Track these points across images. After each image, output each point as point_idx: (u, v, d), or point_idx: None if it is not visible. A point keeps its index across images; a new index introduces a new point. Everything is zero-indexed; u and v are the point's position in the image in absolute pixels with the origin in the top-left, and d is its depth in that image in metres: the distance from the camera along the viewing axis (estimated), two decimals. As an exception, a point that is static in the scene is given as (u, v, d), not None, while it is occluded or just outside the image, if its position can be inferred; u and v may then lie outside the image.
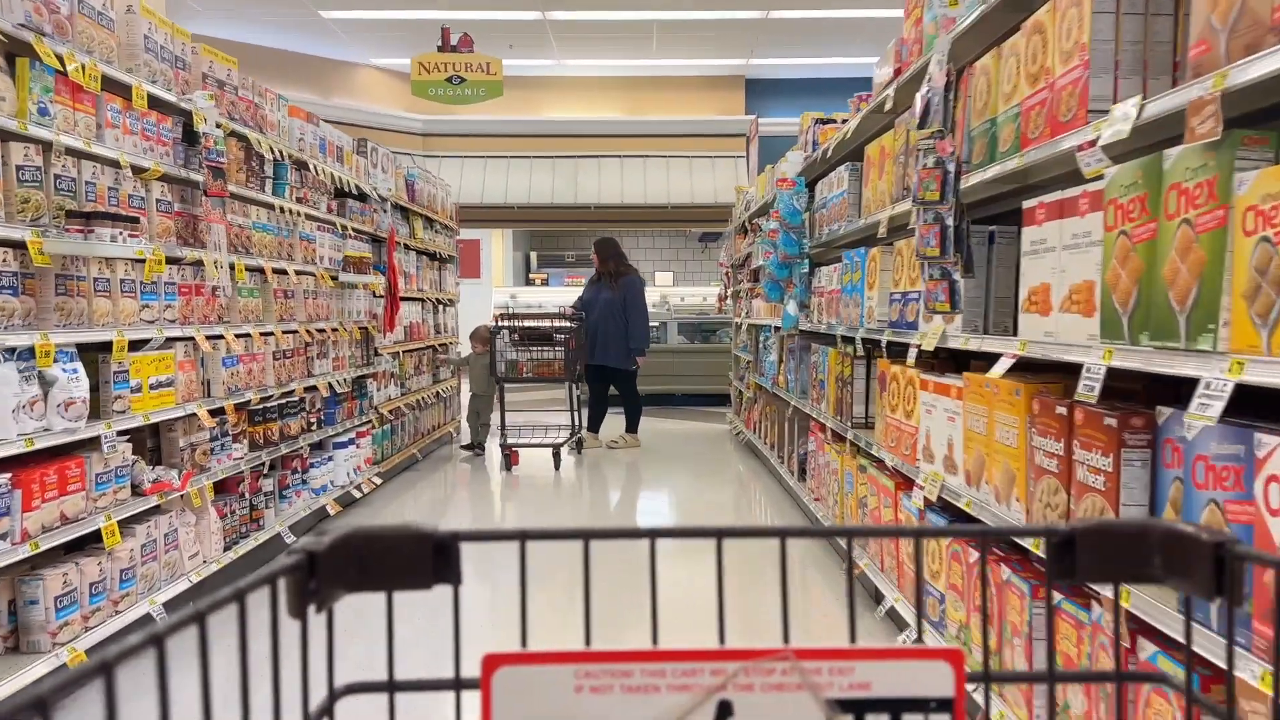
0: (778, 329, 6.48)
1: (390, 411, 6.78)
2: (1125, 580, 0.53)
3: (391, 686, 0.55)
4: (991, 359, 3.11)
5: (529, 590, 0.52)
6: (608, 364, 7.67)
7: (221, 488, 4.45)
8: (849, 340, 4.47)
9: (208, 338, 4.10)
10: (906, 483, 3.60)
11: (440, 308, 8.41)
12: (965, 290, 2.75)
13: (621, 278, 7.97)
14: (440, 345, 8.24)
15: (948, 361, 3.47)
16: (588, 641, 0.52)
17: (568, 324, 7.27)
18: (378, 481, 6.29)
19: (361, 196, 6.34)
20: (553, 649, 0.46)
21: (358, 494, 5.92)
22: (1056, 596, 2.25)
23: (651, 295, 15.82)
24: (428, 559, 0.52)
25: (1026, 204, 2.53)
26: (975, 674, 0.54)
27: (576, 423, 7.64)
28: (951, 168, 2.70)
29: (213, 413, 4.15)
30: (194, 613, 0.42)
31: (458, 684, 0.53)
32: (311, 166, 5.32)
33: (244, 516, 4.53)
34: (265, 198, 4.76)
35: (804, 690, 0.45)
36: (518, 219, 14.56)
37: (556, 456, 6.98)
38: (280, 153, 4.89)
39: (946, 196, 2.71)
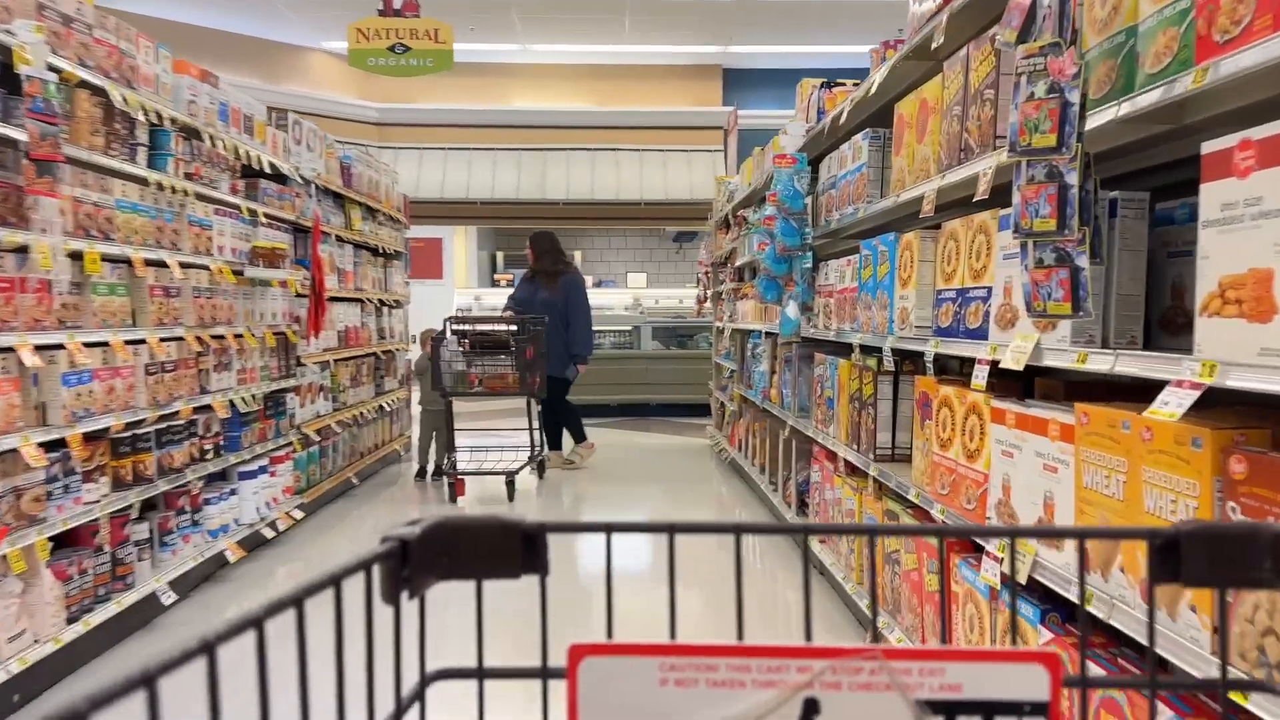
0: (770, 335, 5.54)
1: (318, 431, 5.77)
2: (1233, 585, 0.50)
3: (481, 673, 0.55)
4: (1104, 386, 2.16)
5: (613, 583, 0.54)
6: (546, 372, 6.68)
7: (70, 540, 3.42)
8: (871, 351, 3.53)
9: (37, 348, 3.09)
10: (967, 546, 2.66)
11: (385, 310, 7.39)
12: (1089, 283, 1.81)
13: (561, 276, 6.97)
14: (384, 352, 7.22)
15: (1010, 382, 2.54)
16: (672, 634, 0.51)
17: (531, 327, 6.28)
18: (299, 515, 5.27)
19: (281, 178, 5.33)
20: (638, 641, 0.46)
21: (270, 532, 4.90)
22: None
23: (623, 298, 14.85)
24: (516, 549, 0.52)
25: (1210, 146, 1.60)
26: (1072, 678, 0.52)
27: (538, 442, 6.65)
28: (1074, 97, 1.76)
29: (48, 446, 3.13)
30: (292, 596, 0.42)
31: (544, 673, 0.53)
32: (206, 136, 4.30)
33: (102, 575, 3.51)
34: (136, 170, 3.74)
35: (893, 690, 0.44)
36: (480, 215, 13.55)
37: (510, 485, 5.97)
38: (158, 115, 3.88)
39: (1066, 142, 1.77)
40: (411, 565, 0.51)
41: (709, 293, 8.52)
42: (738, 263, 6.81)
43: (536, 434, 6.62)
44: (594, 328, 11.58)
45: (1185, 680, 0.56)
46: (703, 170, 13.39)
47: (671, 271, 17.27)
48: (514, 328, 6.56)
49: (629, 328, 10.91)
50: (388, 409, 7.21)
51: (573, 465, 7.14)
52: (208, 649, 0.37)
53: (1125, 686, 0.66)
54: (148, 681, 0.33)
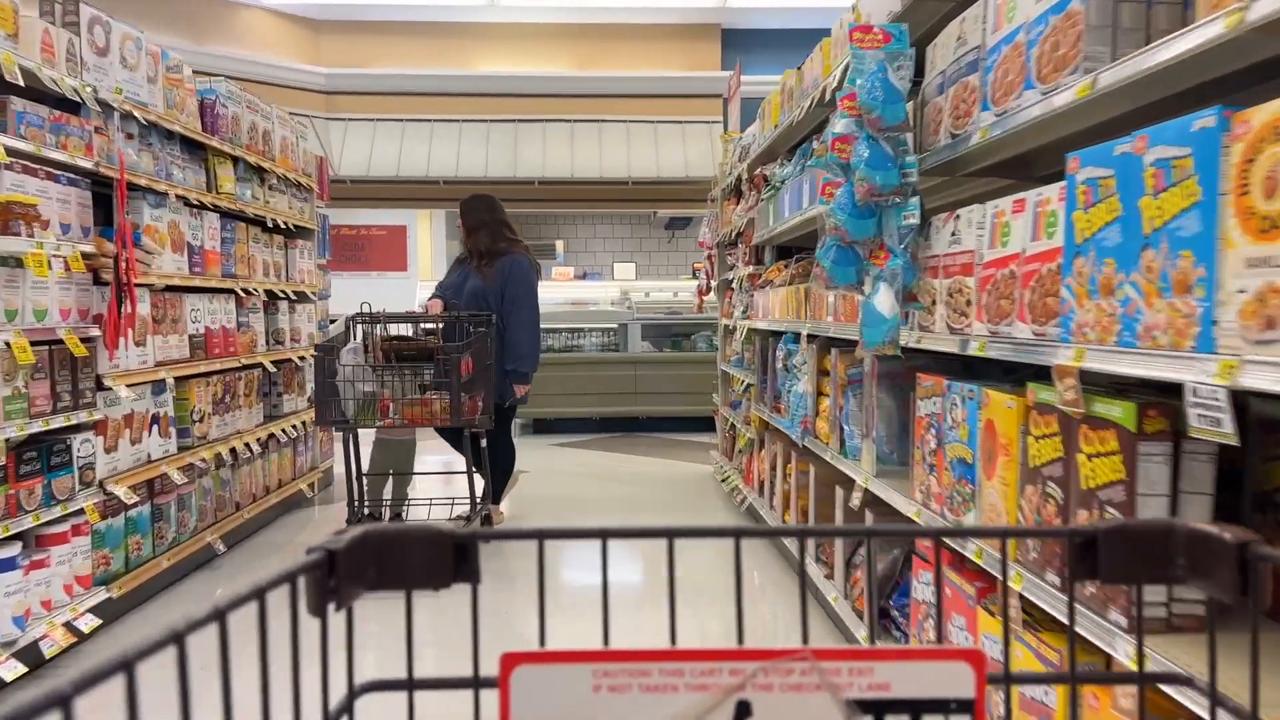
0: (814, 338, 3.63)
1: (148, 484, 3.83)
2: (1148, 581, 0.51)
3: (411, 685, 0.54)
4: None
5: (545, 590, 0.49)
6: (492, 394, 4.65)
7: None
8: (1097, 382, 1.62)
9: None
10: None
11: (283, 305, 5.44)
12: None
13: (499, 258, 4.83)
14: (280, 362, 5.27)
15: None
16: (606, 641, 0.52)
17: (471, 329, 4.35)
18: (95, 622, 3.33)
19: (70, 105, 3.39)
20: (571, 648, 0.45)
21: (54, 646, 2.98)
22: None
23: (609, 291, 12.88)
24: (447, 558, 0.51)
25: None
26: (995, 675, 0.52)
27: (481, 492, 4.70)
28: None
29: None
30: (214, 610, 0.41)
31: (476, 682, 0.52)
32: None
33: None
34: None
35: (823, 690, 0.45)
36: (443, 197, 11.57)
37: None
38: None
39: None
40: (339, 576, 0.50)
41: (713, 282, 6.59)
42: (756, 238, 4.89)
43: (480, 479, 4.67)
44: (573, 326, 9.68)
45: (1106, 674, 0.58)
46: (699, 144, 11.45)
47: (663, 263, 15.35)
48: (444, 329, 4.64)
49: (614, 326, 8.99)
50: (287, 437, 5.26)
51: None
52: (126, 667, 0.35)
53: (1048, 682, 0.64)
54: (62, 702, 0.32)
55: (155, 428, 3.91)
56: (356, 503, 4.28)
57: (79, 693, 0.33)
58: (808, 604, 0.50)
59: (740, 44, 11.57)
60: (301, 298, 5.72)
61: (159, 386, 3.93)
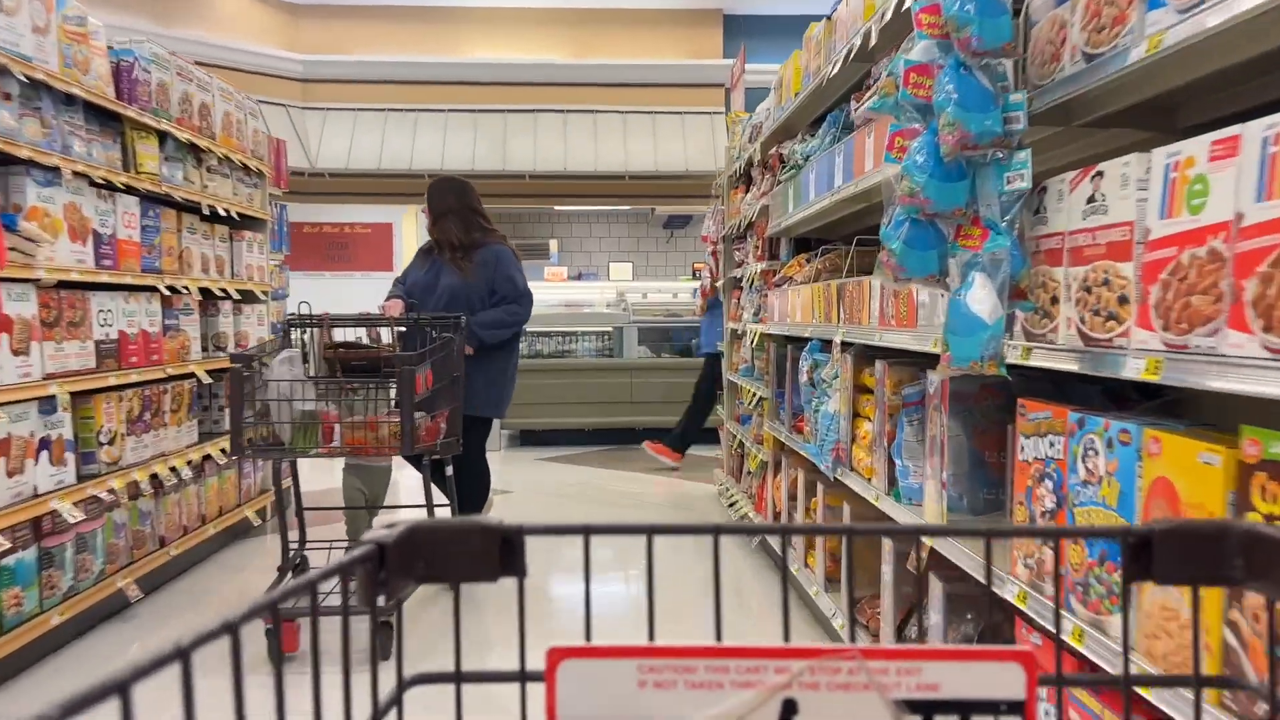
0: (847, 347, 2.92)
1: (32, 524, 3.11)
2: (1204, 582, 0.50)
3: (459, 677, 0.54)
4: None
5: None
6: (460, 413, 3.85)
7: None
8: None
9: None
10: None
11: (227, 307, 4.71)
12: None
13: (476, 250, 4.07)
14: (219, 372, 4.54)
15: None
16: (651, 636, 0.51)
17: (434, 334, 3.62)
18: (-58, 706, 2.61)
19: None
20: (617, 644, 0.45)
21: None
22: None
23: (604, 293, 12.16)
24: (494, 552, 0.51)
25: None
26: (1047, 676, 0.50)
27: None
28: None
29: None
30: (267, 601, 0.41)
31: (523, 676, 0.52)
32: None
33: None
34: None
35: (870, 690, 0.44)
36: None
37: (383, 627, 3.27)
38: None
39: None
40: (388, 569, 0.50)
41: (718, 282, 5.87)
42: (771, 229, 4.17)
43: (445, 513, 3.94)
44: (565, 330, 8.92)
45: (1159, 677, 0.52)
46: (700, 137, 10.75)
47: (661, 263, 14.63)
48: (406, 335, 3.92)
49: (608, 329, 8.26)
50: (228, 458, 4.53)
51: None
52: (182, 655, 0.36)
53: (1100, 684, 0.61)
54: (121, 689, 0.33)
55: (45, 454, 3.19)
56: (292, 548, 3.53)
57: (136, 680, 0.33)
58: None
59: (743, 30, 10.86)
60: (249, 297, 4.99)
61: (48, 404, 3.20)
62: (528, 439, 8.10)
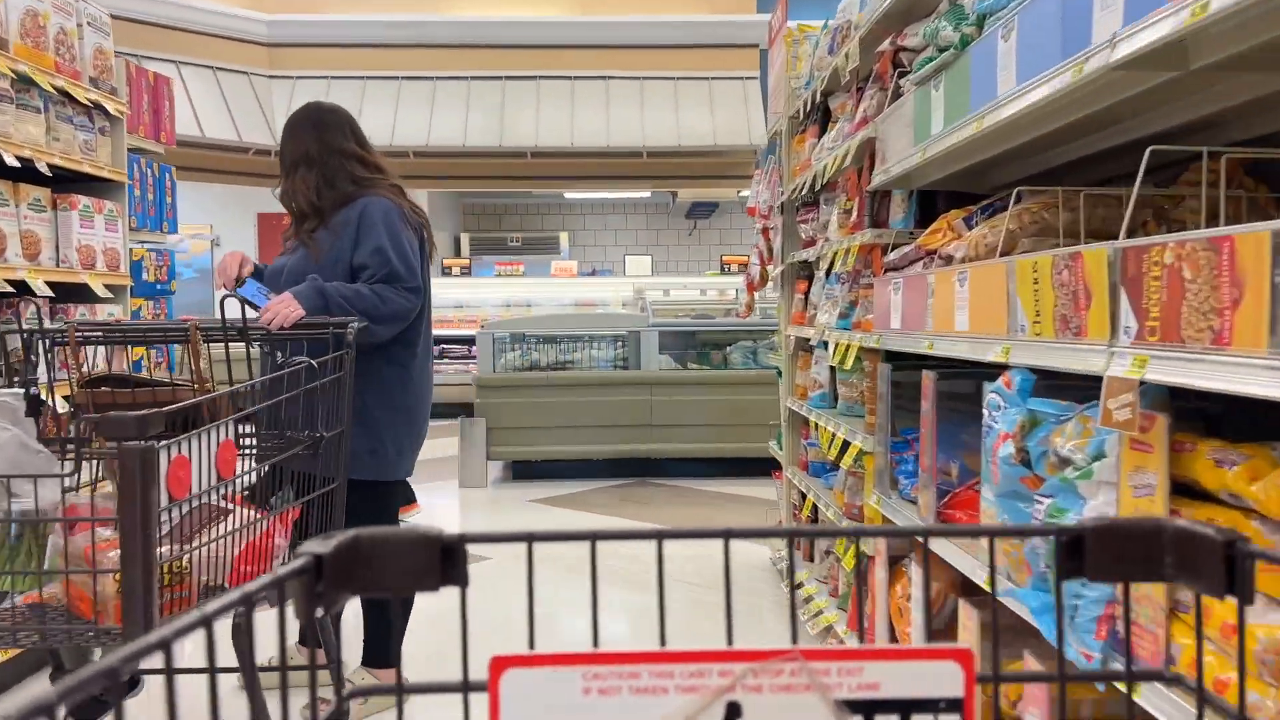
0: (1146, 393, 1.20)
1: None
2: (1136, 579, 0.51)
3: (400, 689, 0.53)
4: None
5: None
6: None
7: None
8: None
9: None
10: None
11: (32, 308, 3.06)
12: None
13: (338, 210, 2.57)
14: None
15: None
16: (595, 643, 0.50)
17: (281, 359, 1.98)
18: None
19: None
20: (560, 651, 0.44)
21: None
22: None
23: (621, 290, 10.48)
24: (435, 561, 0.50)
25: None
26: (984, 675, 0.51)
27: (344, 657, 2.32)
28: None
29: None
30: (200, 617, 0.40)
31: (465, 686, 0.51)
32: None
33: None
34: None
35: (812, 691, 0.44)
36: (415, 174, 9.20)
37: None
38: None
39: None
40: (326, 580, 0.49)
41: (772, 268, 4.17)
42: (881, 178, 2.47)
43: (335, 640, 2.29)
44: (571, 333, 7.17)
45: (1094, 673, 0.57)
46: (729, 107, 9.07)
47: (684, 258, 12.97)
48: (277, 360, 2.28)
49: (623, 332, 6.58)
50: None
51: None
52: (113, 675, 0.35)
53: (1035, 680, 0.59)
54: (111, 674, 0.34)
55: None
56: None
57: (65, 698, 0.33)
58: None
59: (781, -18, 9.17)
60: (80, 295, 3.35)
61: None
62: (520, 472, 6.45)
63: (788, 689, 0.44)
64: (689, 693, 0.44)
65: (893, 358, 2.53)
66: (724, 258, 10.68)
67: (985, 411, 1.80)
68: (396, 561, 0.50)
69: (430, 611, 2.68)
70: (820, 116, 3.40)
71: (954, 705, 0.44)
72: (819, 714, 0.44)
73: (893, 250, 2.50)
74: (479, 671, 0.47)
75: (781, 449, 3.99)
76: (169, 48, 8.31)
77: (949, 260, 2.08)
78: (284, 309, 2.26)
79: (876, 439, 2.51)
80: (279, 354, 2.21)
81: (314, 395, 1.98)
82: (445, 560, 0.50)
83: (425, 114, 8.80)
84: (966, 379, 2.21)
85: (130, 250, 3.57)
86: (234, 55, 8.71)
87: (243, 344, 2.13)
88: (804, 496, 3.56)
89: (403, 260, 2.51)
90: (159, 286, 3.90)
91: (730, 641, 0.49)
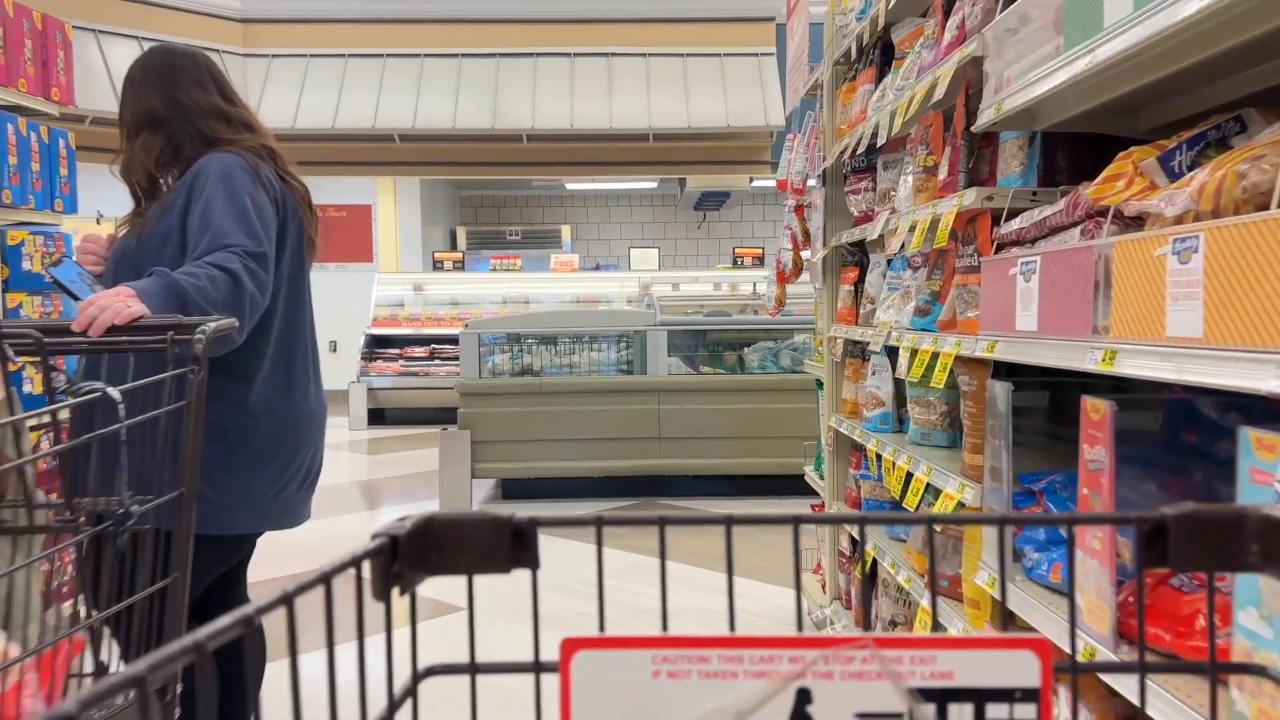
0: None
1: None
2: (1220, 568, 0.48)
3: (473, 668, 0.53)
4: None
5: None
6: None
7: None
8: None
9: None
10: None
11: None
12: None
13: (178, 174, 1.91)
14: None
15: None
16: (664, 627, 0.50)
17: (71, 390, 1.23)
18: None
19: None
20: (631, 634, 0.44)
21: None
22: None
23: (626, 285, 9.71)
24: (506, 544, 0.51)
25: None
26: (1062, 664, 0.48)
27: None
28: None
29: None
30: (282, 595, 0.41)
31: (537, 667, 0.52)
32: None
33: None
34: None
35: (884, 679, 0.43)
36: (401, 160, 8.46)
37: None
38: None
39: None
40: (401, 561, 0.49)
41: (806, 254, 3.39)
42: (989, 114, 1.70)
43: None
44: (569, 331, 6.37)
45: (1176, 664, 0.55)
46: (743, 86, 8.28)
47: (692, 251, 12.20)
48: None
49: (629, 331, 5.81)
50: None
51: None
52: (198, 649, 0.36)
53: (1115, 671, 0.58)
54: (138, 683, 0.34)
55: None
56: None
57: (152, 672, 0.34)
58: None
59: (798, -49, 8.38)
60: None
61: None
62: (511, 491, 5.68)
63: (859, 676, 0.43)
64: (759, 678, 0.44)
65: (1010, 372, 1.75)
66: (736, 250, 9.90)
67: (1246, 470, 1.04)
68: (469, 543, 0.51)
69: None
70: (879, 57, 2.62)
71: (1030, 695, 0.43)
72: (891, 702, 0.43)
73: (1009, 219, 1.72)
74: (550, 653, 0.47)
75: (821, 477, 3.21)
76: (136, 23, 7.57)
77: (1140, 223, 1.31)
78: (112, 303, 1.49)
79: (988, 488, 1.74)
80: (99, 374, 1.44)
81: (119, 443, 1.21)
82: (516, 543, 0.51)
83: (412, 94, 8.03)
84: (1147, 409, 1.46)
85: (4, 232, 2.81)
86: (206, 32, 7.96)
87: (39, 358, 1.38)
88: (855, 543, 2.78)
89: (241, 219, 1.76)
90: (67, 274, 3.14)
91: (800, 628, 0.47)
